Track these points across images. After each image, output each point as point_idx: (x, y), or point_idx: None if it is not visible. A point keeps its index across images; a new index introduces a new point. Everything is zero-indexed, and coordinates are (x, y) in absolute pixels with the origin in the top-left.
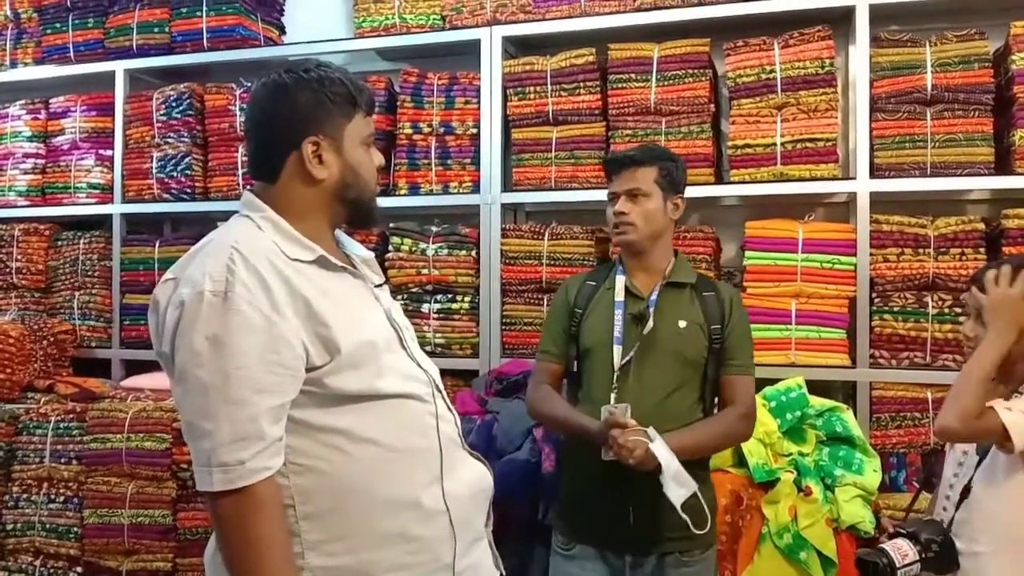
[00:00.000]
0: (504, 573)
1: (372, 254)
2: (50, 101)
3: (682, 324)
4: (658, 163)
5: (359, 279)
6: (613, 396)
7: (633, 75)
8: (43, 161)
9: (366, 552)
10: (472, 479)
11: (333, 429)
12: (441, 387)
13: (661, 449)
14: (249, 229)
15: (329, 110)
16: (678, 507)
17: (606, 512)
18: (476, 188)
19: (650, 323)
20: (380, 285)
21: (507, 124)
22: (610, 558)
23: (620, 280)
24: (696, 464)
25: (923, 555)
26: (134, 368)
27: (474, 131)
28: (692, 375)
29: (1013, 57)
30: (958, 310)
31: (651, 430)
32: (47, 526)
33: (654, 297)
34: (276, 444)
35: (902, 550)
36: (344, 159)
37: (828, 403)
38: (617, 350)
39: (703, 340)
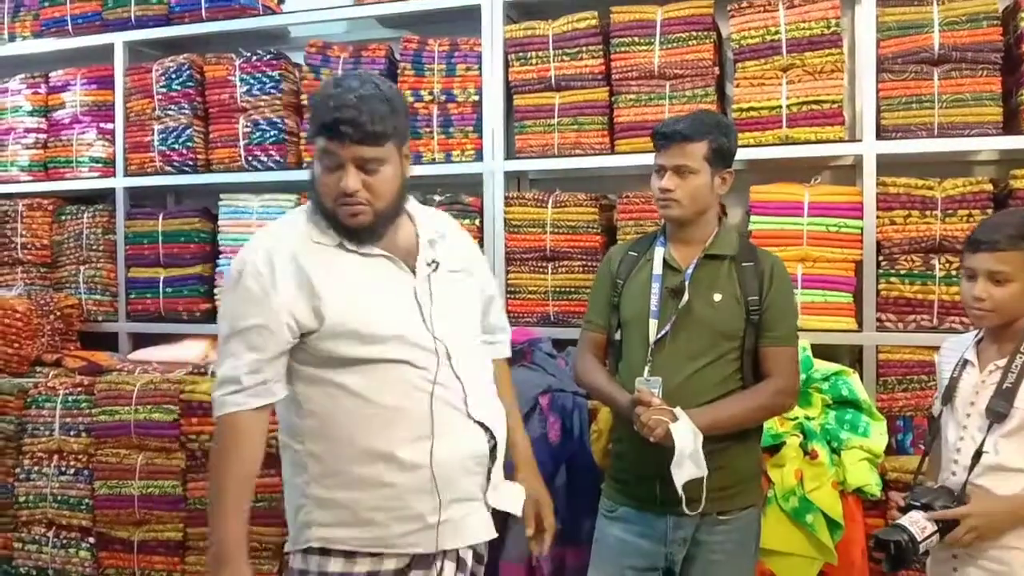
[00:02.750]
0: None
1: (441, 229)
2: (50, 75)
3: (717, 297)
4: (709, 137)
5: (390, 261)
6: (647, 369)
7: (636, 38)
8: (44, 135)
9: (351, 490)
10: (464, 444)
11: (332, 383)
12: (454, 357)
13: (682, 430)
14: (294, 217)
15: (312, 130)
16: (679, 486)
17: (647, 476)
18: (479, 156)
19: (685, 297)
20: (433, 265)
21: (509, 91)
22: (652, 520)
23: (659, 252)
24: (733, 433)
25: (939, 525)
26: (141, 341)
27: (476, 98)
28: (729, 348)
29: (1022, 14)
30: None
31: (678, 409)
32: (58, 498)
33: (690, 271)
34: (257, 388)
35: (919, 523)
36: (313, 170)
37: (834, 367)
38: (653, 324)
39: (740, 313)
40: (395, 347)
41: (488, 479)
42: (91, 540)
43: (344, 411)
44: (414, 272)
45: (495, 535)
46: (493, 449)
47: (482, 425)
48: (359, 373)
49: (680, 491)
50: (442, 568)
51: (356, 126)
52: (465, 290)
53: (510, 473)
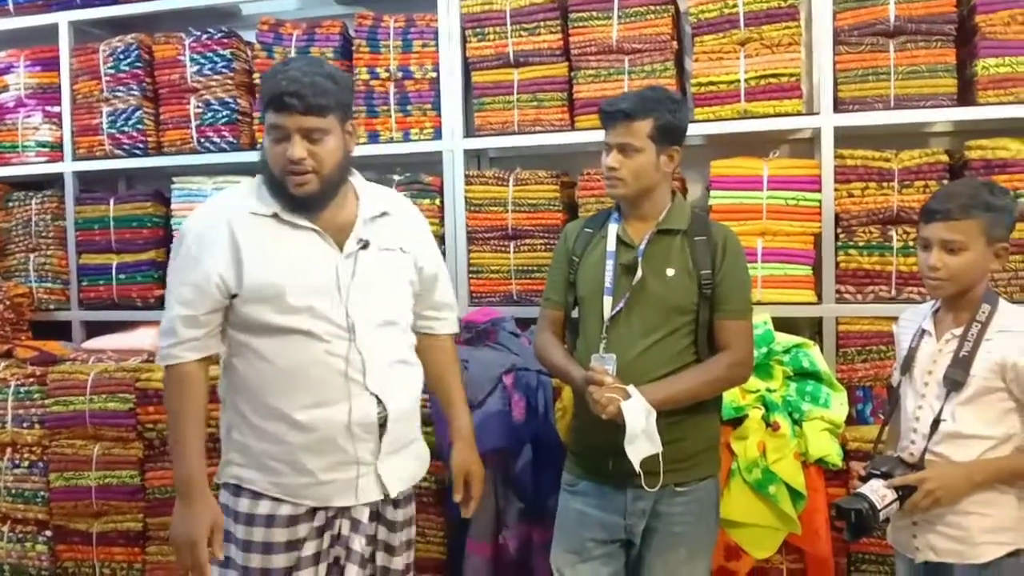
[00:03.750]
0: (398, 504)
1: (384, 208)
2: None
3: (670, 272)
4: (654, 114)
5: (319, 235)
6: (602, 346)
7: (594, 13)
8: None
9: (259, 441)
10: (356, 412)
11: (249, 347)
12: (361, 332)
13: (634, 408)
14: (240, 188)
15: (262, 106)
16: (636, 465)
17: (606, 451)
18: (437, 134)
19: (638, 273)
20: (361, 243)
21: (467, 67)
22: (611, 493)
23: (613, 229)
24: (692, 409)
25: (899, 492)
26: (95, 329)
27: (433, 75)
28: (683, 322)
29: None
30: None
31: (631, 387)
32: (13, 491)
33: (643, 246)
34: (191, 343)
35: (879, 492)
36: (263, 145)
37: (795, 339)
38: (607, 300)
39: (693, 287)
40: (304, 318)
41: (379, 445)
42: (48, 533)
43: (256, 372)
44: (341, 248)
45: (385, 496)
46: (385, 420)
47: (377, 397)
48: (271, 339)
49: (637, 468)
50: (339, 526)
51: (300, 97)
52: (395, 269)
53: (446, 444)
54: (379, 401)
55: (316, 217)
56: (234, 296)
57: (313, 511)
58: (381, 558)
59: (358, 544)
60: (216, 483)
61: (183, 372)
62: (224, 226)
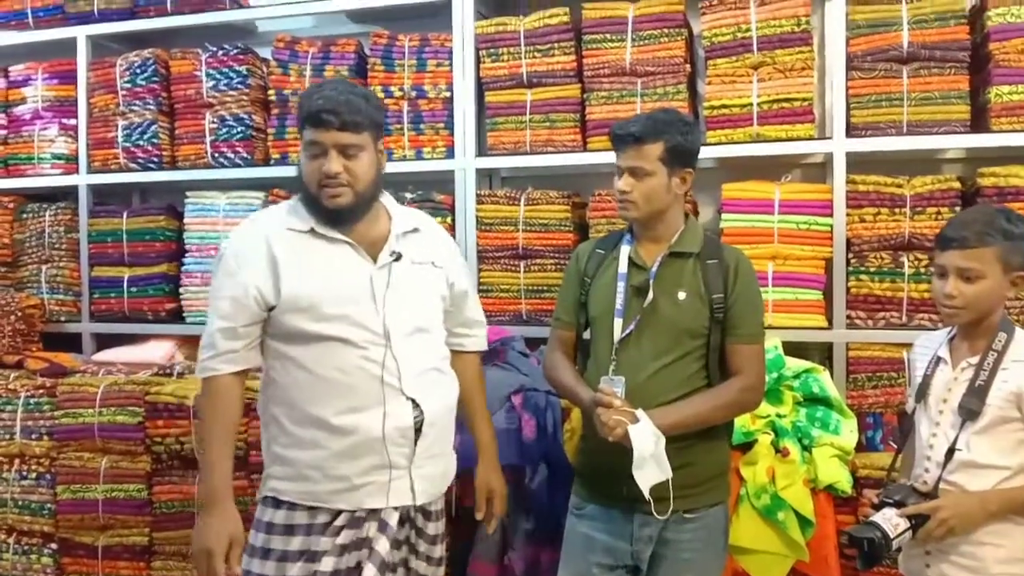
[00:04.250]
0: (425, 510)
1: (416, 224)
2: (10, 69)
3: (682, 295)
4: (664, 137)
5: (352, 248)
6: (612, 367)
7: (608, 35)
8: (5, 131)
9: (295, 449)
10: (393, 418)
11: (287, 356)
12: (397, 339)
13: (642, 432)
14: (278, 208)
15: (299, 124)
16: (645, 491)
17: (614, 475)
18: (450, 153)
19: (650, 295)
20: (394, 255)
21: (480, 87)
22: (619, 517)
23: (625, 251)
24: (701, 431)
25: (912, 521)
26: (105, 341)
27: (447, 94)
28: (694, 345)
29: (989, 13)
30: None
31: (639, 411)
32: (20, 503)
33: (655, 269)
34: (228, 355)
35: (892, 520)
36: (300, 162)
37: (805, 364)
38: (618, 323)
39: (704, 310)
40: (340, 326)
41: (414, 450)
42: (53, 546)
43: (293, 380)
44: (375, 261)
45: (417, 502)
46: (421, 424)
47: (413, 401)
48: (308, 347)
49: (647, 494)
50: (367, 528)
51: (337, 115)
52: (427, 281)
53: (469, 464)
54: (415, 405)
55: (350, 230)
56: (272, 308)
57: (338, 514)
58: (414, 563)
59: (382, 546)
60: (257, 498)
61: (219, 385)
62: (262, 242)
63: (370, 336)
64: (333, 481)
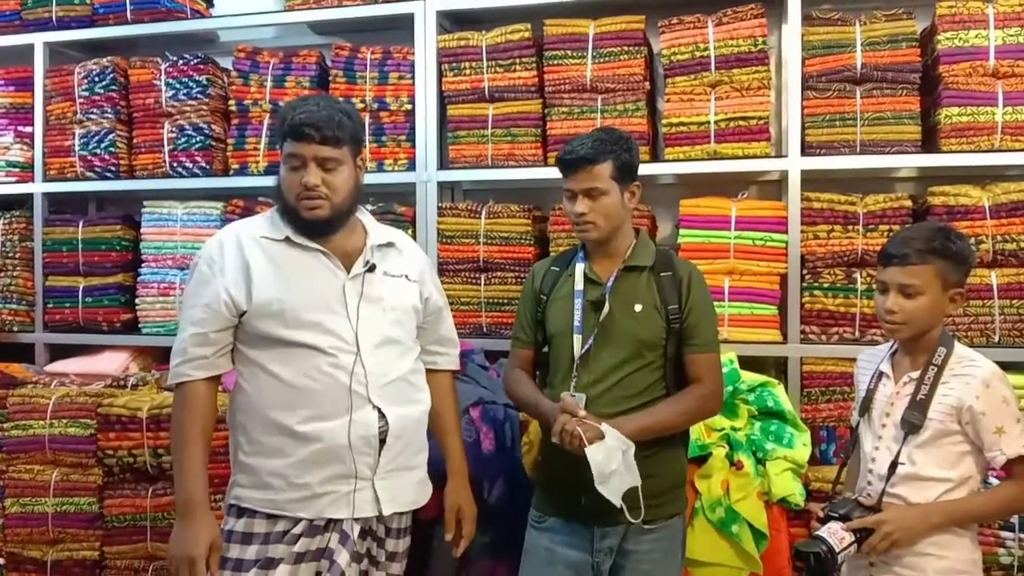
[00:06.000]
0: (386, 518)
1: (391, 239)
2: None
3: (638, 308)
4: (612, 155)
5: (326, 257)
6: (572, 383)
7: (569, 51)
8: None
9: (260, 457)
10: (358, 426)
11: (256, 362)
12: (366, 348)
13: (602, 450)
14: (254, 218)
15: (279, 136)
16: (616, 501)
17: (573, 487)
18: (411, 166)
19: (606, 309)
20: (368, 266)
21: (443, 100)
22: (579, 529)
23: (580, 268)
24: (661, 442)
25: (857, 535)
26: (59, 352)
27: (409, 107)
28: (652, 357)
29: (939, 37)
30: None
31: (605, 425)
32: None
33: (610, 283)
34: (199, 360)
35: (838, 534)
36: (280, 174)
37: (760, 378)
38: (577, 339)
39: (660, 322)
40: (310, 333)
41: (378, 461)
42: (0, 560)
43: (260, 387)
44: (348, 271)
45: (379, 513)
46: (385, 434)
47: (380, 411)
48: (277, 354)
49: (618, 503)
50: (328, 539)
51: (317, 128)
52: (401, 293)
53: (440, 482)
54: (381, 415)
55: (326, 241)
56: (243, 313)
57: (297, 522)
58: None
59: (343, 559)
60: (223, 507)
61: (191, 391)
62: (235, 249)
63: (340, 344)
64: (296, 489)
